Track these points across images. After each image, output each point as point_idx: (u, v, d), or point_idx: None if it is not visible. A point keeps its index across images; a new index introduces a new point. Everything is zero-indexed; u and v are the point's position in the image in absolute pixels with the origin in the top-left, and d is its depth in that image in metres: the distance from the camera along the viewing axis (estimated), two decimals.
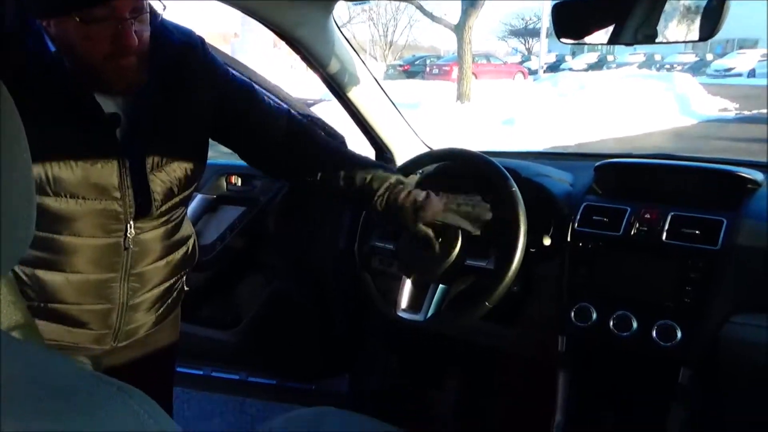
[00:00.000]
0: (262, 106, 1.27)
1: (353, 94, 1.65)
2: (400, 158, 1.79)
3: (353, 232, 1.60)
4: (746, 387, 1.34)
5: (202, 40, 1.18)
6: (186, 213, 1.27)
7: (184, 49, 1.13)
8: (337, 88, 1.62)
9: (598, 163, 1.56)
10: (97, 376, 0.49)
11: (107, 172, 1.04)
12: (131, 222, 1.09)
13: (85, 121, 1.02)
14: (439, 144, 1.95)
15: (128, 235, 1.10)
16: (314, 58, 1.54)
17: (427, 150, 1.83)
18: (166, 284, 1.24)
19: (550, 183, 1.54)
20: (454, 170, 1.59)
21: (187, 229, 1.28)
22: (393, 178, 1.30)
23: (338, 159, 1.32)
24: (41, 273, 1.08)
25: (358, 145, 1.86)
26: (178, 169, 1.13)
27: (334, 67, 1.57)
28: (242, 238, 1.96)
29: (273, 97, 1.77)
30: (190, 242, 1.30)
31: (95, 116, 1.02)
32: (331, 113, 1.98)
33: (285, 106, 1.36)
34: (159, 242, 1.17)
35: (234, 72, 1.27)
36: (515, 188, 1.32)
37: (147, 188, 1.09)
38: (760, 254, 1.28)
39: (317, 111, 1.97)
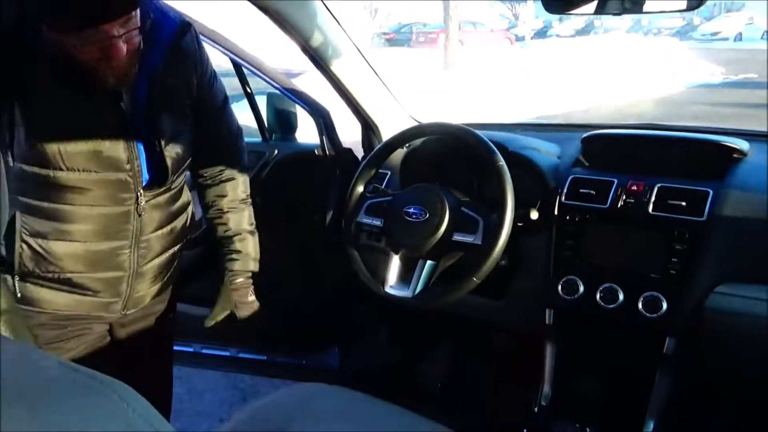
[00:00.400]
0: (228, 119, 1.34)
1: (337, 67, 1.62)
2: (386, 132, 1.77)
3: (341, 208, 1.59)
4: (730, 356, 1.36)
5: (192, 25, 1.22)
6: (185, 181, 1.33)
7: (180, 31, 1.16)
8: (320, 60, 1.58)
9: (585, 135, 1.55)
10: (79, 370, 0.48)
11: (116, 145, 1.10)
12: (141, 191, 1.16)
13: (91, 98, 1.07)
14: (426, 115, 1.93)
15: (139, 203, 1.17)
16: (295, 31, 1.50)
17: (413, 123, 1.81)
18: (170, 252, 1.31)
19: (537, 156, 1.53)
20: (441, 145, 1.58)
21: (186, 196, 1.35)
22: (236, 265, 1.38)
23: (238, 207, 1.38)
24: (55, 244, 1.14)
25: (344, 118, 1.85)
26: (182, 139, 1.20)
27: (316, 39, 1.53)
28: None
29: (257, 72, 1.74)
30: (189, 209, 1.37)
31: (100, 94, 1.07)
32: (315, 85, 1.94)
33: (241, 128, 1.42)
34: (164, 210, 1.24)
35: (216, 73, 1.30)
36: (502, 163, 1.31)
37: (162, 160, 1.16)
38: (745, 225, 1.29)
39: (301, 83, 1.94)
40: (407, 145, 1.61)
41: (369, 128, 1.79)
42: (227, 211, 1.37)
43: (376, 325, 2.08)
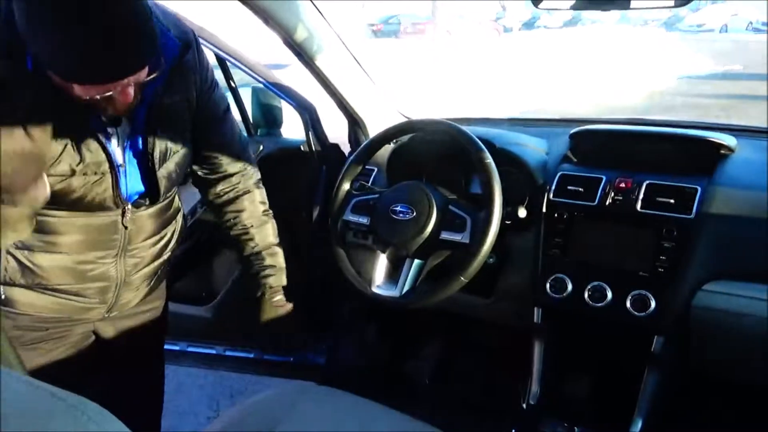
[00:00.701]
0: (230, 129, 1.29)
1: (321, 62, 1.58)
2: (373, 129, 1.75)
3: (327, 205, 1.57)
4: (718, 354, 1.36)
5: (195, 36, 1.17)
6: (177, 190, 1.29)
7: (183, 49, 1.11)
8: (305, 55, 1.55)
9: (573, 131, 1.53)
10: (41, 388, 0.46)
11: (102, 167, 1.05)
12: (129, 206, 1.13)
13: (82, 123, 1.01)
14: (415, 108, 1.91)
15: (126, 216, 1.13)
16: (278, 25, 1.46)
17: (401, 119, 1.79)
18: (160, 260, 1.27)
19: (525, 152, 1.52)
20: (429, 141, 1.56)
21: (177, 203, 1.31)
22: (272, 280, 1.35)
23: (258, 221, 1.35)
24: (41, 256, 1.11)
25: (330, 113, 1.82)
26: (178, 156, 1.16)
27: (300, 34, 1.50)
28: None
29: (241, 65, 1.71)
30: (180, 217, 1.33)
31: (93, 119, 1.02)
32: (302, 79, 1.91)
33: (247, 137, 1.37)
34: (154, 220, 1.21)
35: (217, 83, 1.25)
36: (490, 160, 1.29)
37: (153, 179, 1.12)
38: (733, 222, 1.29)
39: (287, 76, 1.90)
40: (394, 141, 1.59)
41: (355, 124, 1.77)
42: (251, 227, 1.33)
43: (364, 321, 2.06)
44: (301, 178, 1.86)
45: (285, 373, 2.07)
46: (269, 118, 1.99)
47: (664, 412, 1.42)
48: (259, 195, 1.35)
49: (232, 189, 1.32)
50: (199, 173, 1.31)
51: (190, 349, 2.12)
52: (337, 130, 1.88)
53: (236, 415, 1.23)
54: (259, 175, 1.37)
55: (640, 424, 1.38)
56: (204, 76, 1.19)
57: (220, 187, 1.32)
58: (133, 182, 1.12)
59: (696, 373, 1.44)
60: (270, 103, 1.97)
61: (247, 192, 1.33)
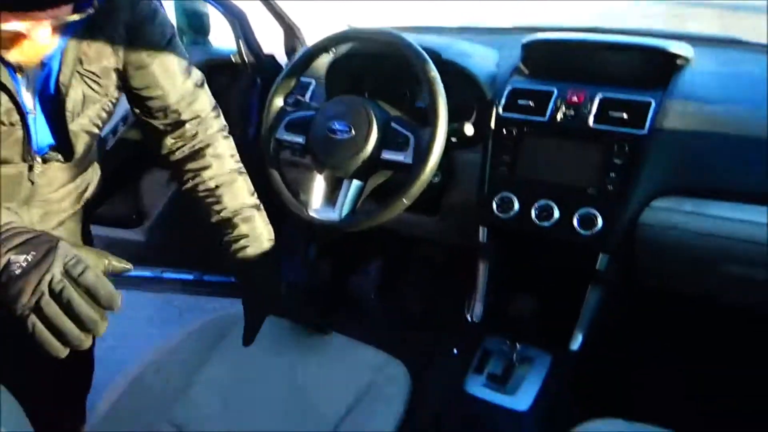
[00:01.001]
0: (171, 60, 1.04)
1: None
2: (311, 37, 1.61)
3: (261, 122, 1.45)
4: (662, 271, 1.36)
5: None
6: None
7: None
8: None
9: (525, 40, 1.43)
10: None
11: (8, 115, 0.89)
12: (38, 159, 0.97)
13: None
14: (359, 16, 1.77)
15: (34, 170, 0.98)
16: None
17: (343, 27, 1.65)
18: (74, 210, 1.14)
19: (473, 65, 1.42)
20: (370, 52, 1.45)
21: (95, 151, 1.15)
22: (249, 252, 1.11)
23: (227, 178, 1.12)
24: None
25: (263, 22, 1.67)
26: (97, 107, 0.98)
27: None
28: (137, 129, 1.76)
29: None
30: (97, 166, 1.19)
31: None
32: None
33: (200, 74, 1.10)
34: (67, 171, 1.06)
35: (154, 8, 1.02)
36: (435, 73, 1.20)
37: (68, 136, 0.97)
38: (686, 137, 1.24)
39: None
40: (332, 51, 1.45)
41: (291, 33, 1.62)
42: (216, 187, 1.09)
43: (307, 240, 2.00)
44: (234, 91, 1.72)
45: (229, 293, 2.01)
46: (195, 26, 1.82)
47: (605, 328, 1.43)
48: (227, 146, 1.12)
49: (189, 142, 1.09)
50: (143, 118, 1.07)
51: (125, 273, 2.02)
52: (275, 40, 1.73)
53: (177, 339, 1.21)
54: (223, 122, 1.14)
55: (580, 340, 1.38)
56: (137, 9, 0.97)
57: (172, 140, 1.09)
58: (43, 133, 0.96)
59: (640, 291, 1.45)
60: (195, 8, 1.79)
61: (209, 145, 1.10)
